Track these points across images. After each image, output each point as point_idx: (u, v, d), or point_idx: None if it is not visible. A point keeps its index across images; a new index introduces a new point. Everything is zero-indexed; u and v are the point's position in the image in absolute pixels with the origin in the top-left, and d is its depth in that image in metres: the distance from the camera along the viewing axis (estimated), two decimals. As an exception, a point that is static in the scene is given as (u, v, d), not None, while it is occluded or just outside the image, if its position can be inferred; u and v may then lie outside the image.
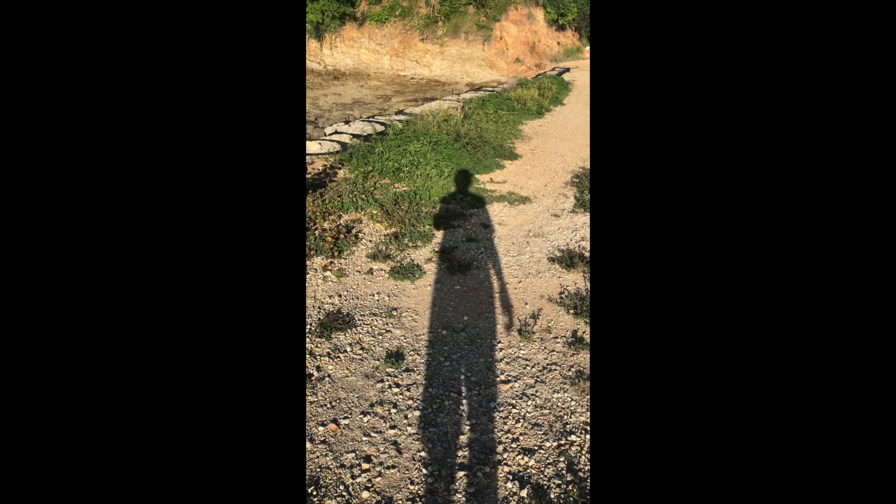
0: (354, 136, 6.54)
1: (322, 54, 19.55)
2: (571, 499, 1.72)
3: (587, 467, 1.86)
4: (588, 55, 24.21)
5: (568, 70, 17.99)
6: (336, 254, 3.53)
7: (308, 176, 4.90)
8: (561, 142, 7.41)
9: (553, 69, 17.76)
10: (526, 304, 3.02)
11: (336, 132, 6.83)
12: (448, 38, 18.86)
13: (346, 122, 7.85)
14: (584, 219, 4.34)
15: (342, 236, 3.72)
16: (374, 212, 4.18)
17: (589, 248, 3.70)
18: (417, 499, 1.72)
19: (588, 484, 1.78)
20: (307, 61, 19.14)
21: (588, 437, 1.99)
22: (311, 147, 5.85)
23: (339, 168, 5.19)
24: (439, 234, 3.97)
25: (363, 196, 4.37)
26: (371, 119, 7.98)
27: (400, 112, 7.86)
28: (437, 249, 3.69)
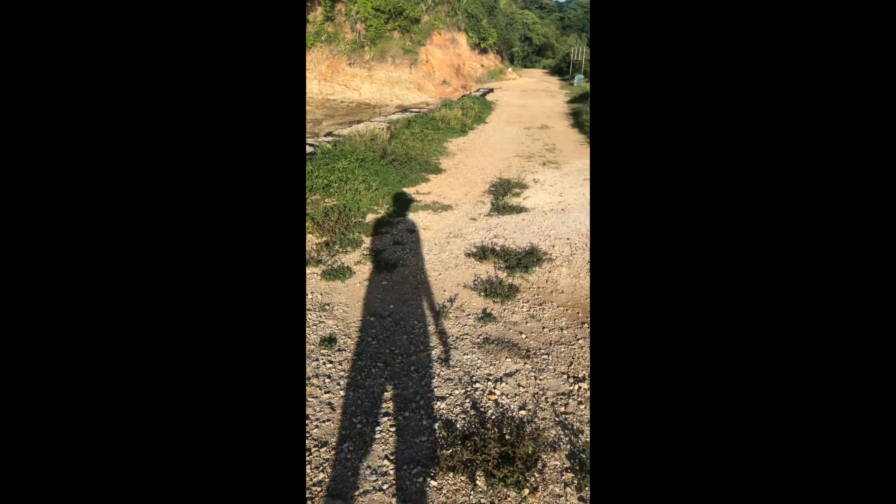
0: (285, 157, 6.80)
1: (249, 81, 19.46)
2: (474, 426, 2.15)
3: (488, 404, 2.30)
4: (510, 76, 25.69)
5: (492, 90, 19.04)
6: (271, 262, 3.82)
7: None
8: (482, 157, 8.06)
9: (478, 90, 18.72)
10: (444, 291, 3.47)
11: (267, 155, 7.06)
12: (375, 62, 19.44)
13: (277, 145, 8.07)
14: (497, 220, 4.90)
15: (277, 246, 4.02)
16: (306, 224, 4.51)
17: (501, 244, 4.24)
18: (348, 439, 2.08)
19: (488, 415, 2.22)
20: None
21: (490, 384, 2.45)
22: (243, 169, 6.06)
23: (272, 187, 5.46)
24: (368, 240, 4.36)
25: (295, 210, 4.69)
26: (301, 141, 8.25)
27: (329, 134, 8.21)
28: (365, 253, 4.08)
